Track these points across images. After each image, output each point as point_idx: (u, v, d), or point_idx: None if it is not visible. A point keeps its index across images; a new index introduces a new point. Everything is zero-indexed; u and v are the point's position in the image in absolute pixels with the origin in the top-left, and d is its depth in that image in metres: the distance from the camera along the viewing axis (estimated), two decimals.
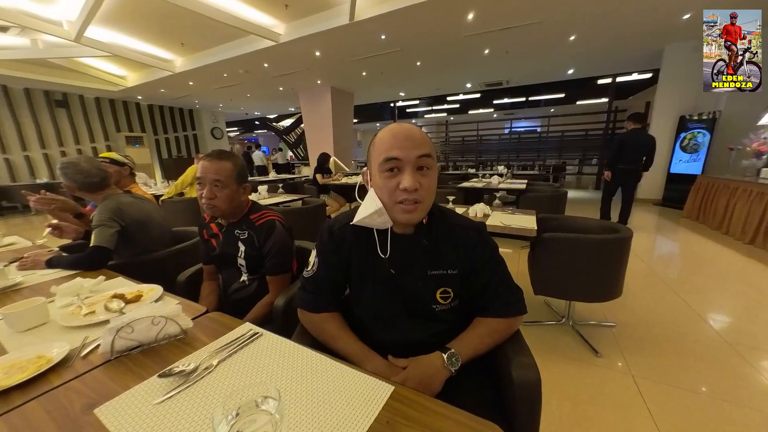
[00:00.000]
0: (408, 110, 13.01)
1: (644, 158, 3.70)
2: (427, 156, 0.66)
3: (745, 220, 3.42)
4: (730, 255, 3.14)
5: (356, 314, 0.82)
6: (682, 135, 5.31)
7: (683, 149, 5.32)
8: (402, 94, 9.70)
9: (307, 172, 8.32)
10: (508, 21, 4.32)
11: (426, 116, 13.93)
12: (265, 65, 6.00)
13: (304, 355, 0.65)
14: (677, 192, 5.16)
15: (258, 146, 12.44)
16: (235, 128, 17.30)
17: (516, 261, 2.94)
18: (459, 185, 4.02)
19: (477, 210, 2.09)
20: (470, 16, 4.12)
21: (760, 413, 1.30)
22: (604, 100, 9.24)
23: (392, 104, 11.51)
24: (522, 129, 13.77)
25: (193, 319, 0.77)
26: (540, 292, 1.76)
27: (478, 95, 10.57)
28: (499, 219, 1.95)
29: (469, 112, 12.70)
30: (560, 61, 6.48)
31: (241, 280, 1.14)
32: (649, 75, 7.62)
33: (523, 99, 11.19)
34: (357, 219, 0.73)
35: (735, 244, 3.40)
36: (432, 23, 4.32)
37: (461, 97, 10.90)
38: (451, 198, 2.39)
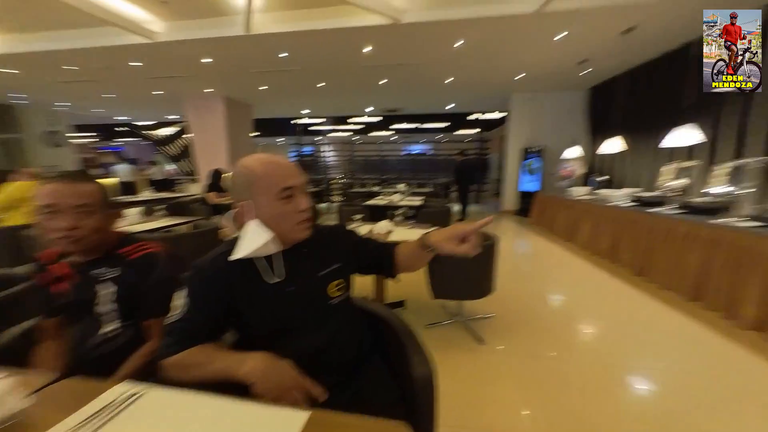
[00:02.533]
0: (311, 128, 12.96)
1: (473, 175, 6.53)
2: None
3: (564, 224, 4.75)
4: (557, 250, 4.30)
5: (257, 346, 0.77)
6: (526, 161, 7.05)
7: (529, 172, 7.04)
8: (305, 111, 9.65)
9: (195, 189, 7.22)
10: (398, 59, 4.93)
11: (329, 135, 14.16)
12: (138, 64, 5.05)
13: (203, 404, 0.59)
14: (526, 204, 6.75)
15: (132, 160, 9.69)
16: (91, 133, 13.57)
17: (422, 272, 3.29)
18: (365, 203, 4.23)
19: (381, 227, 2.26)
20: (367, 49, 4.52)
21: (589, 362, 1.82)
22: (478, 130, 11.41)
23: (293, 121, 11.28)
24: (417, 151, 15.53)
25: (34, 392, 0.59)
26: (438, 297, 2.02)
27: (380, 119, 11.47)
28: (401, 234, 2.16)
29: (372, 134, 13.59)
30: (442, 97, 7.73)
31: (107, 330, 0.92)
32: (504, 114, 9.86)
33: (416, 126, 12.72)
34: (246, 252, 0.72)
35: (561, 242, 4.67)
36: (332, 49, 4.53)
37: (365, 119, 11.59)
38: (358, 216, 2.51)
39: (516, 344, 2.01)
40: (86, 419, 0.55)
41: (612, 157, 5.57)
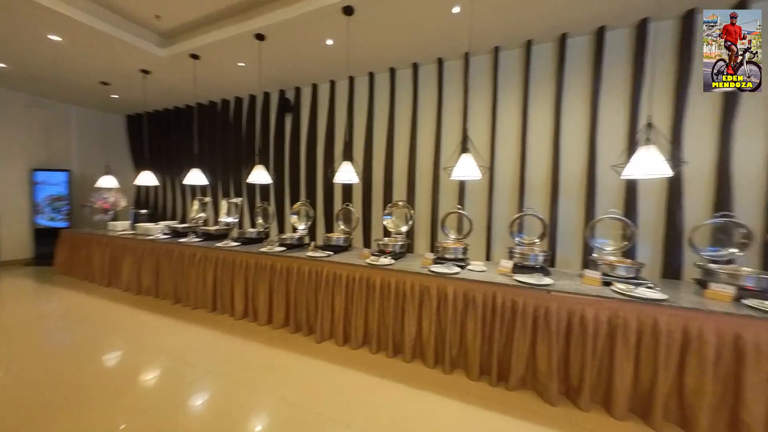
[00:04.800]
0: None
1: None
2: None
3: (101, 266, 3.98)
4: (95, 301, 3.45)
5: None
6: (46, 194, 5.05)
7: (53, 209, 5.10)
8: None
9: None
10: None
11: None
12: None
13: None
14: (47, 247, 4.85)
15: None
16: None
17: None
18: None
19: None
20: None
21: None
22: None
23: None
24: None
25: None
26: None
27: None
28: None
29: None
30: None
31: None
32: None
33: None
34: None
35: (100, 289, 3.84)
36: None
37: None
38: None
39: None
40: None
41: (155, 189, 5.63)
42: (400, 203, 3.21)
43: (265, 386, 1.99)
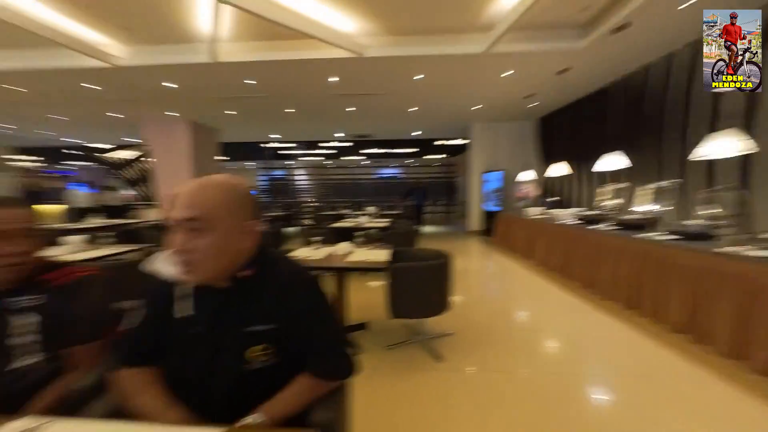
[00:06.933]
0: (280, 152, 12.96)
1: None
2: (193, 219, 0.64)
3: (522, 242, 5.05)
4: (516, 268, 4.54)
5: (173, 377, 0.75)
6: (491, 188, 7.49)
7: (493, 198, 7.47)
8: (274, 136, 9.69)
9: (153, 215, 6.81)
10: (363, 89, 5.21)
11: (301, 159, 14.23)
12: (95, 87, 4.88)
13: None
14: (491, 224, 7.10)
15: (91, 183, 9.17)
16: (36, 157, 12.51)
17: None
18: (330, 225, 4.25)
19: (341, 248, 2.30)
20: (332, 79, 4.75)
21: (550, 376, 1.90)
22: (444, 155, 12.05)
23: (262, 145, 11.24)
24: (388, 175, 15.96)
25: None
26: (397, 316, 2.05)
27: (350, 143, 11.77)
28: (360, 255, 2.21)
29: (343, 158, 13.85)
30: (408, 124, 8.16)
31: (20, 365, 0.86)
32: (467, 141, 10.56)
33: (386, 151, 13.19)
34: (152, 269, 0.75)
35: (520, 260, 4.94)
36: (300, 78, 4.71)
37: (335, 144, 11.84)
38: (318, 239, 2.53)
39: (474, 360, 2.07)
40: None
41: (561, 179, 6.12)
42: None
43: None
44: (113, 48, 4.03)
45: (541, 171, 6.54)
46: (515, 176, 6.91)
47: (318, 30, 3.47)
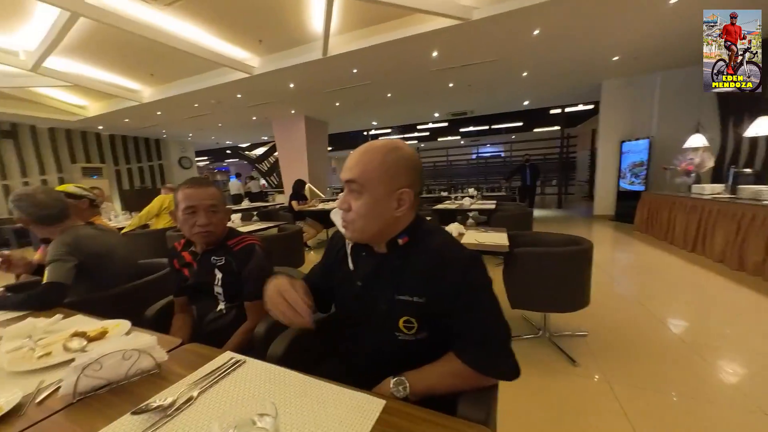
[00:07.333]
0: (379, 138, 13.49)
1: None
2: (352, 181, 0.70)
3: (685, 230, 3.82)
4: (676, 262, 3.47)
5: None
6: (629, 161, 5.92)
7: (633, 174, 5.90)
8: (374, 123, 10.11)
9: (281, 199, 8.23)
10: (468, 59, 4.77)
11: None
12: (239, 96, 6.06)
13: (291, 379, 0.63)
14: (626, 208, 5.68)
15: (239, 175, 12.36)
16: (204, 157, 16.89)
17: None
18: (433, 207, 4.16)
19: (452, 229, 2.18)
20: (434, 54, 4.51)
21: (719, 407, 1.40)
22: (557, 128, 10.21)
23: (365, 132, 11.91)
24: (488, 154, 14.69)
25: (167, 352, 0.73)
26: (516, 307, 1.83)
27: (446, 124, 11.29)
28: (473, 237, 2.04)
29: (438, 139, 13.43)
30: (516, 94, 7.17)
31: (218, 309, 1.09)
32: (591, 106, 8.61)
33: (487, 127, 12.09)
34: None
35: (679, 252, 3.76)
36: (400, 59, 4.66)
37: (430, 125, 11.56)
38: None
39: (618, 371, 1.67)
40: (202, 377, 0.65)
41: (755, 142, 4.30)
42: None
43: None
44: (252, 60, 4.84)
45: (718, 133, 4.77)
46: (669, 143, 5.25)
47: (421, 1, 3.30)
